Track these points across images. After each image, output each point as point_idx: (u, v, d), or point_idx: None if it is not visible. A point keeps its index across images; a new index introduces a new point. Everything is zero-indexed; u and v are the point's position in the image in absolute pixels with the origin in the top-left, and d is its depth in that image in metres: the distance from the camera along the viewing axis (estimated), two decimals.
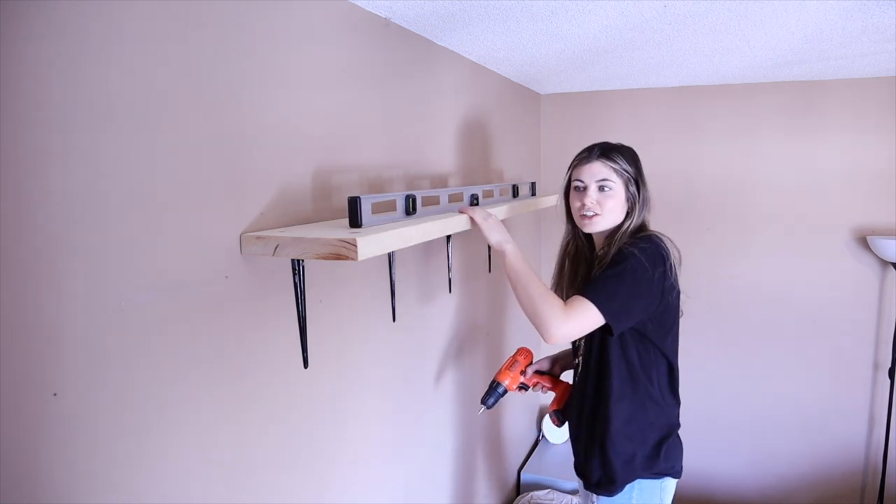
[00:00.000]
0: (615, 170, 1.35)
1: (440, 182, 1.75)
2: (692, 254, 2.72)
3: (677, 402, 1.45)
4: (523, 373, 1.62)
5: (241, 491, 1.03)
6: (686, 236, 2.71)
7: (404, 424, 1.62)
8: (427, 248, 1.69)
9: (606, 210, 1.36)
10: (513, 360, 1.63)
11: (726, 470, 2.82)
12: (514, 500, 2.59)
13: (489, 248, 2.14)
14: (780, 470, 2.75)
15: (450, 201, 1.49)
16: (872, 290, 2.50)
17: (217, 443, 0.97)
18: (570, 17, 1.46)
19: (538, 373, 1.64)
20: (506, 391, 1.60)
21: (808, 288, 2.58)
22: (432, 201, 1.45)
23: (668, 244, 1.33)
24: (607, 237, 1.39)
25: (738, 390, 2.74)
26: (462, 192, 1.55)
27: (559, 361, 1.67)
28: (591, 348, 1.42)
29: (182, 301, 0.89)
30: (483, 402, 1.60)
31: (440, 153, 1.75)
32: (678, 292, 1.36)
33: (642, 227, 1.39)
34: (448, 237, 1.77)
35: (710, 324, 2.71)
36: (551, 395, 1.64)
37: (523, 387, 1.63)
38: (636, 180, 1.37)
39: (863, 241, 2.47)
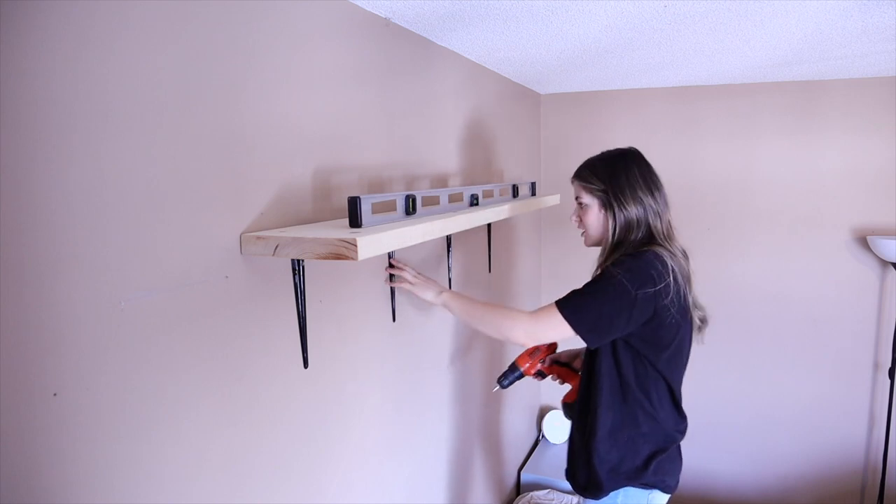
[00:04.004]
0: (585, 187, 1.40)
1: (440, 182, 1.75)
2: (692, 254, 2.70)
3: (680, 418, 1.41)
4: (542, 361, 1.64)
5: (241, 490, 1.03)
6: (686, 236, 2.68)
7: (404, 424, 1.62)
8: (427, 247, 1.69)
9: (587, 226, 1.42)
10: (535, 347, 1.66)
11: (726, 470, 2.82)
12: (514, 500, 2.59)
13: (489, 248, 2.15)
14: (780, 470, 2.75)
15: (450, 201, 1.49)
16: (872, 290, 2.50)
17: (217, 442, 0.97)
18: (570, 17, 1.46)
19: (557, 363, 1.65)
20: (522, 375, 1.64)
21: (808, 288, 2.58)
22: (432, 201, 1.45)
23: (670, 261, 1.27)
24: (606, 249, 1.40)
25: (738, 390, 2.74)
26: (462, 192, 1.55)
27: (580, 356, 1.67)
28: (586, 354, 1.43)
29: (182, 301, 0.89)
30: (499, 381, 1.65)
31: (440, 153, 1.76)
32: (683, 311, 1.30)
33: (649, 241, 1.33)
34: (448, 237, 1.77)
35: (710, 324, 2.70)
36: (567, 388, 1.66)
37: (540, 374, 1.65)
38: (612, 192, 1.34)
39: (863, 241, 2.47)
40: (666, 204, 1.38)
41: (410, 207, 1.25)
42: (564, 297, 1.29)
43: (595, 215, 1.39)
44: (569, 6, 1.36)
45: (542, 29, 1.57)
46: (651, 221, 1.34)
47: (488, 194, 1.73)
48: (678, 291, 1.27)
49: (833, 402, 2.62)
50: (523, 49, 1.81)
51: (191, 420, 0.91)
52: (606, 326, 1.25)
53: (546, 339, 1.31)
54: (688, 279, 1.35)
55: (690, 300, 1.36)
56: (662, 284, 1.24)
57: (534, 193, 2.14)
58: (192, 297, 0.90)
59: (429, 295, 1.41)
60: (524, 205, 1.86)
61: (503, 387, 1.65)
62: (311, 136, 1.17)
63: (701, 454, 2.80)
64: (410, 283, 1.42)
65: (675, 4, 1.36)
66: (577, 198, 1.43)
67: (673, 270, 1.26)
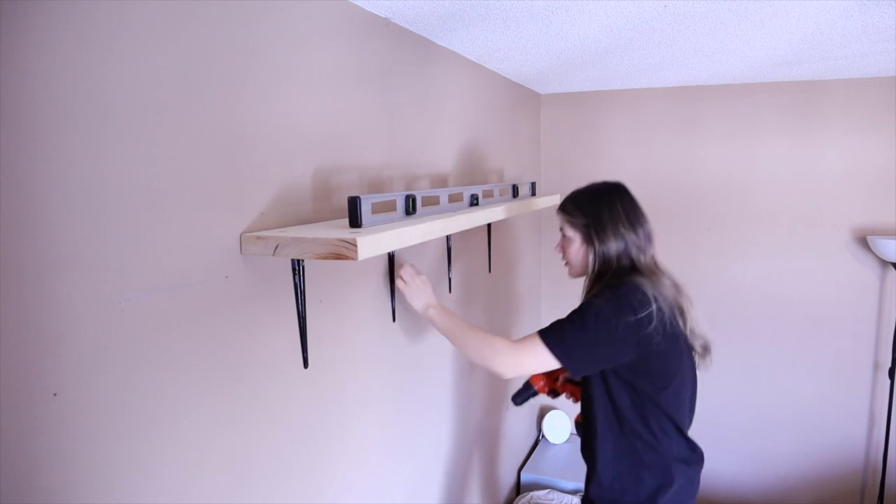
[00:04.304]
0: (568, 221, 1.40)
1: (440, 182, 1.75)
2: (692, 254, 2.72)
3: (689, 448, 1.38)
4: (556, 379, 1.65)
5: (241, 490, 1.03)
6: (686, 236, 2.71)
7: (404, 424, 1.62)
8: (427, 247, 1.69)
9: (569, 257, 1.42)
10: None
11: (726, 470, 2.82)
12: (514, 500, 2.59)
13: (489, 248, 2.15)
14: (780, 470, 2.75)
15: (450, 201, 1.50)
16: (872, 290, 2.50)
17: (217, 442, 0.97)
18: (570, 17, 1.46)
19: (570, 382, 1.64)
20: (536, 393, 1.65)
21: (808, 288, 2.58)
22: (432, 201, 1.45)
23: (651, 290, 1.26)
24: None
25: (739, 390, 2.74)
26: (462, 192, 1.55)
27: None
28: (581, 384, 1.43)
29: (182, 301, 0.89)
30: (513, 399, 1.66)
31: (440, 153, 1.76)
32: (671, 339, 1.28)
33: (631, 271, 1.32)
34: (448, 237, 1.77)
35: (710, 324, 2.68)
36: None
37: (554, 392, 1.66)
38: (594, 227, 1.34)
39: (863, 241, 2.47)
40: (649, 240, 1.36)
41: (410, 207, 1.25)
42: (547, 327, 1.29)
43: (577, 248, 1.39)
44: (569, 6, 1.36)
45: (542, 29, 1.57)
46: (634, 256, 1.33)
47: (488, 194, 1.73)
48: (662, 319, 1.25)
49: (833, 402, 2.62)
50: (523, 49, 1.81)
51: (191, 420, 0.91)
52: (588, 356, 1.26)
53: (528, 370, 1.31)
54: (680, 309, 1.33)
55: (686, 328, 1.33)
56: (644, 313, 1.23)
57: (534, 193, 2.14)
58: (192, 297, 0.90)
59: (416, 303, 1.40)
60: (524, 205, 1.86)
61: (517, 404, 1.66)
62: (311, 136, 1.17)
63: None
64: (404, 282, 1.41)
65: (675, 4, 1.36)
66: (560, 229, 1.43)
67: (655, 299, 1.24)
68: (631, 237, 1.33)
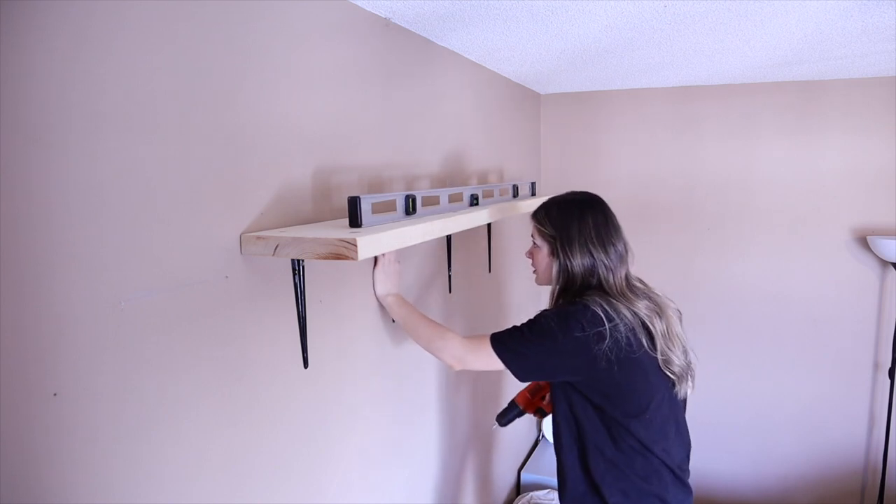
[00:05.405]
0: (538, 229, 1.39)
1: (440, 182, 1.75)
2: (692, 254, 2.72)
3: (672, 483, 1.34)
4: (543, 398, 1.64)
5: (241, 490, 1.03)
6: (686, 236, 2.71)
7: (404, 425, 1.62)
8: (427, 247, 1.69)
9: (535, 264, 1.43)
10: (536, 385, 1.66)
11: (726, 470, 2.82)
12: (514, 500, 2.59)
13: (489, 248, 2.15)
14: (780, 470, 2.75)
15: (450, 201, 1.49)
16: (872, 290, 2.50)
17: (216, 443, 0.97)
18: (570, 17, 1.46)
19: None
20: (523, 413, 1.65)
21: (808, 288, 2.58)
22: (432, 201, 1.45)
23: (605, 311, 1.22)
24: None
25: (739, 390, 2.74)
26: (462, 192, 1.55)
27: None
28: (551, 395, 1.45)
29: (182, 301, 0.89)
30: (498, 419, 1.66)
31: (440, 153, 1.75)
32: (625, 363, 1.22)
33: (597, 290, 1.30)
34: (448, 237, 1.77)
35: (711, 324, 2.71)
36: None
37: (541, 412, 1.65)
38: (561, 241, 1.33)
39: (863, 241, 2.47)
40: (622, 260, 1.32)
41: (410, 207, 1.25)
42: (500, 332, 1.30)
43: (544, 258, 1.38)
44: (569, 6, 1.36)
45: (542, 29, 1.57)
46: (602, 275, 1.30)
47: (488, 194, 1.73)
48: (617, 341, 1.21)
49: (833, 402, 2.62)
50: (523, 49, 1.81)
51: (191, 420, 0.91)
52: (531, 364, 1.27)
53: (474, 367, 1.32)
54: (650, 334, 1.27)
55: (657, 353, 1.28)
56: (593, 331, 1.20)
57: (534, 193, 2.14)
58: (192, 297, 0.90)
59: (380, 288, 1.40)
60: (524, 205, 1.86)
61: (502, 425, 1.65)
62: (311, 136, 1.17)
63: (701, 454, 2.79)
64: (376, 268, 1.40)
65: (675, 4, 1.36)
66: (532, 235, 1.43)
67: (609, 320, 1.22)
68: (600, 256, 1.30)
